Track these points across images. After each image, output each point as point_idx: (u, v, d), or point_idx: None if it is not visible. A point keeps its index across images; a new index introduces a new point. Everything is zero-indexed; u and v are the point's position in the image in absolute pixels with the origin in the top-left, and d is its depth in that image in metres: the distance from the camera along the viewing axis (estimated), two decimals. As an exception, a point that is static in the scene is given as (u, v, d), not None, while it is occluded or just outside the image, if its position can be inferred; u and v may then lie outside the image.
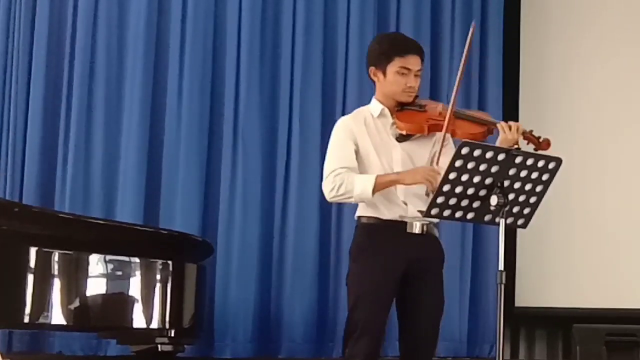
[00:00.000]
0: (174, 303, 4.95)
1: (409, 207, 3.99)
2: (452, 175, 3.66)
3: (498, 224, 3.70)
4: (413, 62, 4.07)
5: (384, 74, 4.08)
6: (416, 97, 4.12)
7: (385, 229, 4.01)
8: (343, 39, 6.58)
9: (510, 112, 6.54)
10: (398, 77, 4.05)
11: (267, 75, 6.52)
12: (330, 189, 4.01)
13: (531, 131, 4.02)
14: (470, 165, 3.65)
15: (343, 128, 4.10)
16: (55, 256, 4.59)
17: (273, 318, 6.34)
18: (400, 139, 4.06)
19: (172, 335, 4.95)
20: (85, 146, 6.31)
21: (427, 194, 3.87)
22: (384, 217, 4.01)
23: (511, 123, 3.94)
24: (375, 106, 4.13)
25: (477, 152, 3.64)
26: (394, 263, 3.99)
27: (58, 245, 4.63)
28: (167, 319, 4.90)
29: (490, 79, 6.66)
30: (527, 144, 3.97)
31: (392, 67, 4.05)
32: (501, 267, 3.67)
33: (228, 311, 6.30)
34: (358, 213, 4.10)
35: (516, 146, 3.78)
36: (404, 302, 4.05)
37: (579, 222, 6.59)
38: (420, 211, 3.84)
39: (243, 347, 6.29)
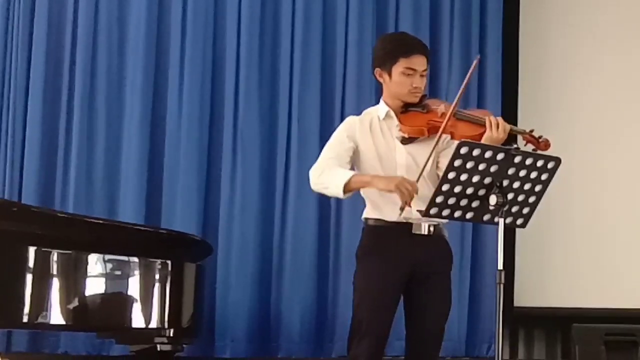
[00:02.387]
0: (173, 303, 4.95)
1: (412, 208, 3.96)
2: (451, 175, 3.65)
3: (497, 224, 3.69)
4: (418, 62, 4.03)
5: (390, 75, 4.04)
6: (423, 96, 4.08)
7: (391, 230, 3.99)
8: (342, 41, 6.57)
9: (510, 113, 6.51)
10: (403, 78, 4.00)
11: (266, 78, 6.52)
12: (314, 174, 3.99)
13: (531, 131, 3.97)
14: (469, 165, 3.64)
15: (348, 126, 4.09)
16: (54, 256, 4.58)
17: (273, 318, 6.35)
18: (405, 141, 4.02)
19: (171, 335, 4.94)
20: (87, 148, 6.33)
21: (402, 208, 3.84)
22: (388, 219, 4.01)
23: (500, 121, 3.86)
24: (382, 108, 4.10)
25: (476, 152, 3.63)
26: (399, 265, 3.97)
27: (57, 244, 4.61)
28: (166, 318, 4.89)
29: (489, 80, 6.63)
30: (526, 144, 3.91)
31: (397, 68, 4.01)
32: (500, 266, 3.66)
33: (228, 311, 6.30)
34: (364, 215, 4.09)
35: (515, 146, 3.76)
36: (411, 303, 4.04)
37: (578, 222, 6.58)
38: (419, 211, 3.82)
39: (243, 346, 6.30)
